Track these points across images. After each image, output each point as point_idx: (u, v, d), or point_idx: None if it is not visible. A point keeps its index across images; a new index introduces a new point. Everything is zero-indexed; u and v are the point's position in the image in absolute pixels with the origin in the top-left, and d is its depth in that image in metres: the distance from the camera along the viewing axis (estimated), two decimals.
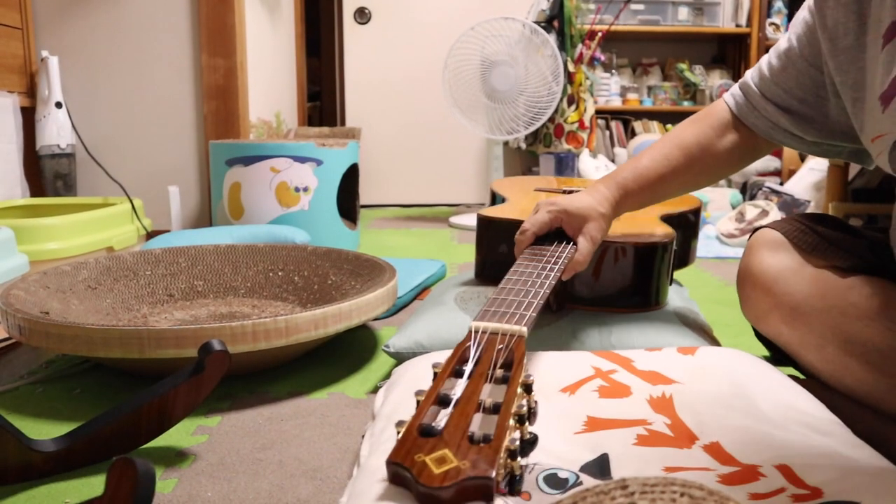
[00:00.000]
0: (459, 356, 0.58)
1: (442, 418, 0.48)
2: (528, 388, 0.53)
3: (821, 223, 0.89)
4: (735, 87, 0.93)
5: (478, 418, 0.48)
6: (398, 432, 0.47)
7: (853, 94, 0.76)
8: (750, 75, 0.91)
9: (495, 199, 1.34)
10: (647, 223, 1.11)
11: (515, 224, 1.06)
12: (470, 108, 2.68)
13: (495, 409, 0.49)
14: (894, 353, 0.72)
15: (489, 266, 1.11)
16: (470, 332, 0.62)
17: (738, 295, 0.94)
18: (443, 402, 0.50)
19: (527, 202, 1.22)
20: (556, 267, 0.82)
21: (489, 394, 0.51)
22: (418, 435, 0.46)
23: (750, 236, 0.94)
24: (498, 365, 0.56)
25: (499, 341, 0.60)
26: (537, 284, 0.76)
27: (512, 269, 0.81)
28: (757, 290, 0.89)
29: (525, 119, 2.69)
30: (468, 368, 0.55)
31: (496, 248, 1.09)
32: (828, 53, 0.78)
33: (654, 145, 0.95)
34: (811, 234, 0.87)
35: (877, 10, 0.71)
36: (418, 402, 0.51)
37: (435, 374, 0.54)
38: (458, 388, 0.52)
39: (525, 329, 0.63)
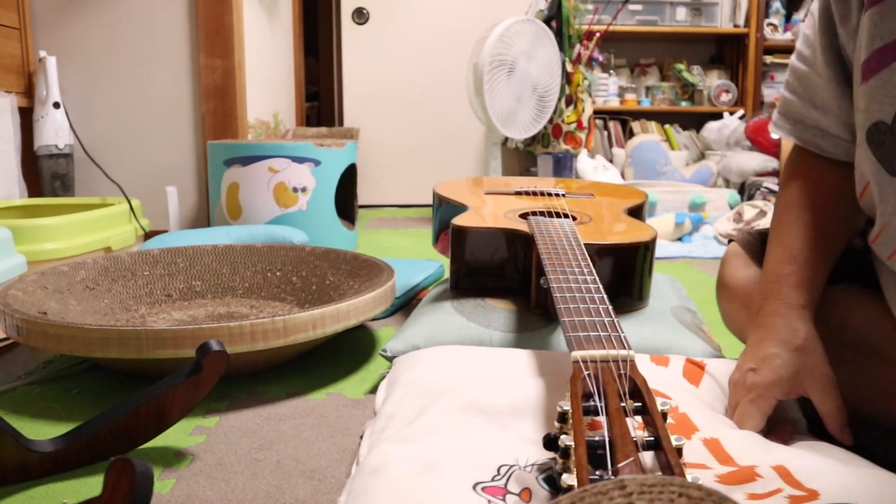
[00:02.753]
0: (582, 391, 0.54)
1: (603, 465, 0.45)
2: (664, 416, 0.50)
3: None
4: (774, 116, 0.85)
5: (641, 458, 0.46)
6: (567, 487, 0.43)
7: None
8: (779, 103, 0.84)
9: (441, 203, 1.29)
10: (628, 224, 1.11)
11: (492, 233, 1.04)
12: (507, 116, 2.67)
13: (651, 445, 0.48)
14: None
15: (465, 277, 1.08)
16: (578, 363, 0.58)
17: (718, 308, 0.94)
18: (593, 446, 0.47)
19: (492, 207, 1.19)
20: (593, 271, 0.82)
21: (633, 428, 0.49)
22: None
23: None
24: (627, 396, 0.54)
25: (613, 369, 0.57)
26: (597, 299, 0.73)
27: (556, 286, 0.78)
28: (734, 303, 0.89)
29: (538, 113, 2.72)
30: (599, 404, 0.52)
31: (473, 258, 1.06)
32: (839, 21, 0.72)
33: (774, 226, 0.81)
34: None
35: None
36: (565, 448, 0.47)
37: (562, 414, 0.50)
38: (602, 428, 0.49)
39: (633, 353, 0.60)
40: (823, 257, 0.76)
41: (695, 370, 0.81)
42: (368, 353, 1.16)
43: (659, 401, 0.52)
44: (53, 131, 2.02)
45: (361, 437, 0.73)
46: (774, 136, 0.88)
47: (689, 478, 0.42)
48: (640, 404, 0.53)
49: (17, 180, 1.93)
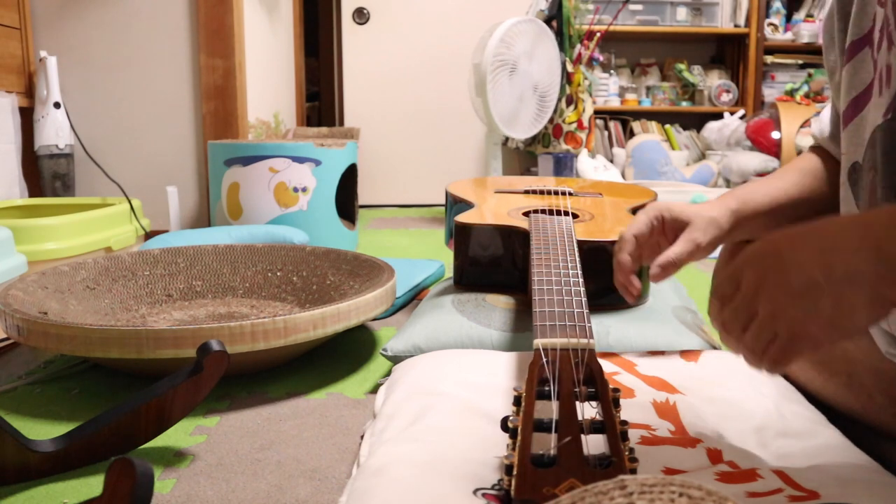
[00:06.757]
0: (538, 377, 0.55)
1: (546, 445, 0.46)
2: (616, 403, 0.51)
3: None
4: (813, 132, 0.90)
5: (584, 441, 0.46)
6: (508, 467, 0.44)
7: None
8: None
9: (454, 202, 1.30)
10: (628, 222, 1.12)
11: (494, 229, 1.06)
12: (510, 116, 2.66)
13: (597, 428, 0.48)
14: (837, 352, 0.73)
15: (468, 273, 1.09)
16: (539, 350, 0.60)
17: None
18: (540, 427, 0.48)
19: (497, 205, 1.20)
20: (578, 267, 0.83)
21: (583, 412, 0.50)
22: (535, 467, 0.43)
23: None
24: (581, 382, 0.55)
25: (572, 357, 0.58)
26: (574, 292, 0.74)
27: (536, 278, 0.79)
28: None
29: (539, 112, 2.72)
30: (553, 389, 0.53)
31: (475, 254, 1.08)
32: (828, 72, 0.79)
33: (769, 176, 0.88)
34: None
35: (853, 29, 0.71)
36: (513, 429, 0.48)
37: (516, 397, 0.52)
38: (552, 411, 0.50)
39: (594, 342, 0.62)
40: (782, 202, 0.83)
41: (691, 354, 0.84)
42: (369, 353, 1.16)
43: (611, 388, 0.53)
44: (54, 131, 2.02)
45: (362, 437, 0.73)
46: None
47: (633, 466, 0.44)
48: (593, 390, 0.54)
49: (18, 180, 1.93)
